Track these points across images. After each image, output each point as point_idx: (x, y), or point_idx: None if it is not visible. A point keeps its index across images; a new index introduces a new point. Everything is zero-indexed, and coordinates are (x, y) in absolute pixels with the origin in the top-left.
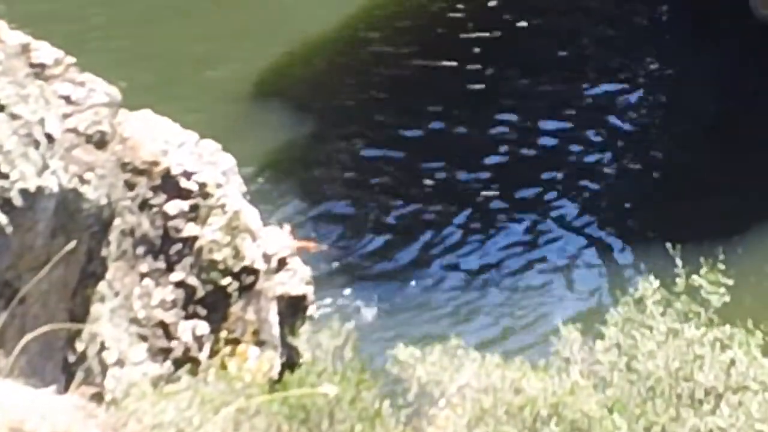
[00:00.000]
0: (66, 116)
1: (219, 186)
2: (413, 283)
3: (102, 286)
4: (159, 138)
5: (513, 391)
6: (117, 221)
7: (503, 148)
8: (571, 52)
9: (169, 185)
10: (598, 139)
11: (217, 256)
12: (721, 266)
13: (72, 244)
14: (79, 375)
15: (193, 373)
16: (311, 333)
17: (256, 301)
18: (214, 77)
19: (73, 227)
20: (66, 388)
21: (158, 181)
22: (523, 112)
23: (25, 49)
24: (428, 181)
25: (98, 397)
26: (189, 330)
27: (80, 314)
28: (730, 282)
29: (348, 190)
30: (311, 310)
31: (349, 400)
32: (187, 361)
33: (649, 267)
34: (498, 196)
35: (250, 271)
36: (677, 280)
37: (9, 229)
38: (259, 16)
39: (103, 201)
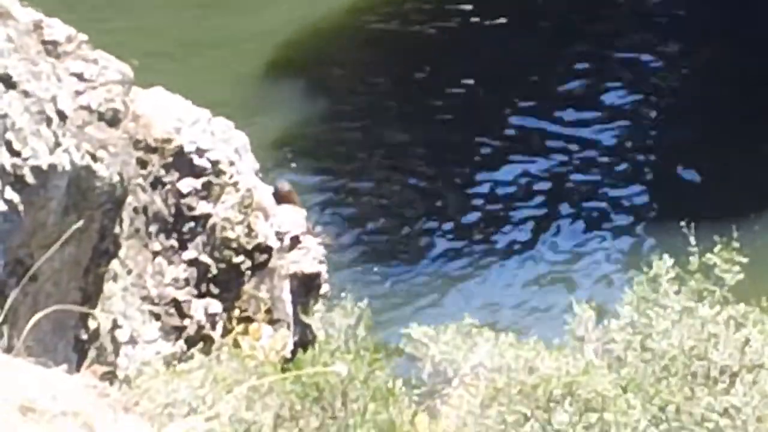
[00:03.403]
0: (78, 93)
1: (232, 164)
2: (427, 262)
3: (114, 265)
4: (172, 116)
5: (527, 371)
6: (129, 199)
7: (520, 131)
8: (584, 35)
9: (182, 163)
10: (612, 117)
11: (230, 234)
12: (736, 244)
13: (80, 222)
14: (92, 353)
15: (206, 351)
16: (324, 311)
17: (269, 279)
18: (227, 54)
19: (85, 205)
20: (78, 367)
21: (171, 159)
22: (542, 93)
23: (37, 26)
24: (444, 161)
25: (110, 376)
26: (202, 308)
27: (93, 293)
28: (745, 260)
29: (362, 170)
30: (324, 289)
31: (362, 379)
32: (199, 339)
33: (663, 245)
34: (511, 177)
35: (263, 249)
36: (691, 258)
37: (21, 207)
38: None
39: (116, 179)
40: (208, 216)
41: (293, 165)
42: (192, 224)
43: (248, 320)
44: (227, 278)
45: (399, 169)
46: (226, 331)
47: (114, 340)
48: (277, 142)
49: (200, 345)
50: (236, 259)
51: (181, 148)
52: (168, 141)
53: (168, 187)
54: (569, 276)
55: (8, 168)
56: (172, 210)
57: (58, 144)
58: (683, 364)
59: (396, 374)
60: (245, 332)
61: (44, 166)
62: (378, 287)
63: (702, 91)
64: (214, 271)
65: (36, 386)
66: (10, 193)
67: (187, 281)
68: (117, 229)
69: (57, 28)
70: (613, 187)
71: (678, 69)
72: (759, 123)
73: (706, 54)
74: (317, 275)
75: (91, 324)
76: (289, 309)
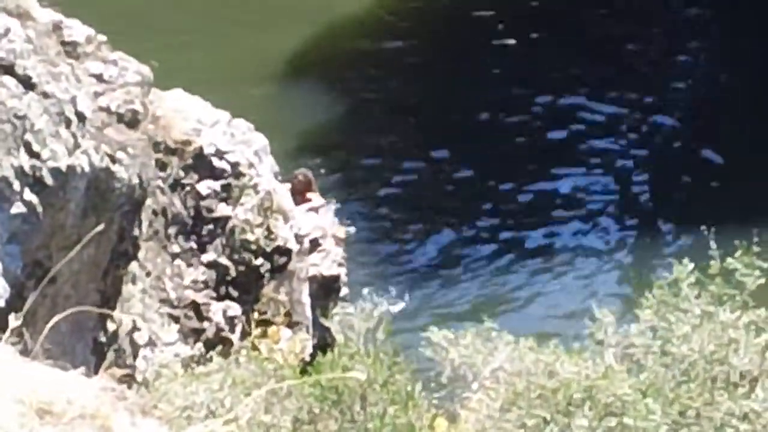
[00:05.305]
0: (97, 95)
1: (251, 166)
2: (447, 265)
3: (133, 267)
4: (191, 117)
5: (546, 375)
6: (148, 201)
7: (535, 131)
8: (603, 33)
9: (202, 165)
10: (632, 122)
11: (250, 236)
12: (756, 248)
13: (101, 226)
14: (110, 356)
15: (225, 354)
16: (343, 315)
17: (288, 282)
18: (246, 56)
19: (104, 207)
20: (96, 370)
21: (190, 161)
22: (558, 96)
23: (57, 27)
24: (464, 163)
25: (129, 379)
26: (221, 311)
27: (111, 295)
28: (765, 264)
29: (382, 171)
30: (343, 291)
31: (382, 383)
32: (218, 342)
33: (683, 249)
34: (532, 180)
35: (283, 251)
36: (712, 262)
37: (40, 209)
38: None
39: (135, 180)
40: (227, 218)
41: (314, 167)
42: (211, 226)
43: (267, 323)
44: (246, 281)
45: (419, 172)
46: (245, 334)
47: (132, 342)
48: (297, 144)
49: (219, 348)
50: (255, 262)
51: (200, 149)
52: (187, 143)
53: (187, 189)
54: (589, 280)
55: (27, 169)
56: (192, 212)
57: (77, 145)
58: (703, 368)
59: (415, 378)
60: (264, 335)
61: (63, 168)
62: (397, 291)
63: (724, 95)
64: (233, 273)
65: (54, 389)
66: (29, 195)
67: (206, 284)
68: (136, 231)
69: (76, 29)
70: (634, 191)
71: (700, 73)
72: None
73: (730, 59)
74: (336, 278)
75: (110, 326)
76: (308, 312)
